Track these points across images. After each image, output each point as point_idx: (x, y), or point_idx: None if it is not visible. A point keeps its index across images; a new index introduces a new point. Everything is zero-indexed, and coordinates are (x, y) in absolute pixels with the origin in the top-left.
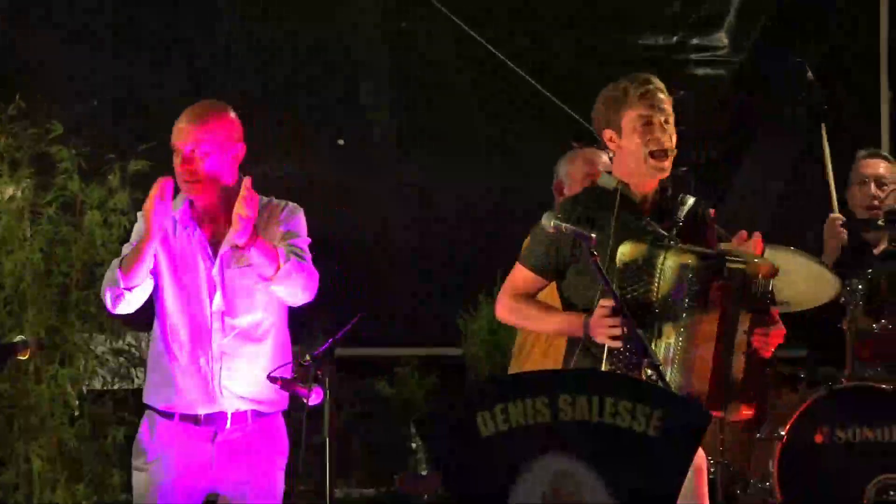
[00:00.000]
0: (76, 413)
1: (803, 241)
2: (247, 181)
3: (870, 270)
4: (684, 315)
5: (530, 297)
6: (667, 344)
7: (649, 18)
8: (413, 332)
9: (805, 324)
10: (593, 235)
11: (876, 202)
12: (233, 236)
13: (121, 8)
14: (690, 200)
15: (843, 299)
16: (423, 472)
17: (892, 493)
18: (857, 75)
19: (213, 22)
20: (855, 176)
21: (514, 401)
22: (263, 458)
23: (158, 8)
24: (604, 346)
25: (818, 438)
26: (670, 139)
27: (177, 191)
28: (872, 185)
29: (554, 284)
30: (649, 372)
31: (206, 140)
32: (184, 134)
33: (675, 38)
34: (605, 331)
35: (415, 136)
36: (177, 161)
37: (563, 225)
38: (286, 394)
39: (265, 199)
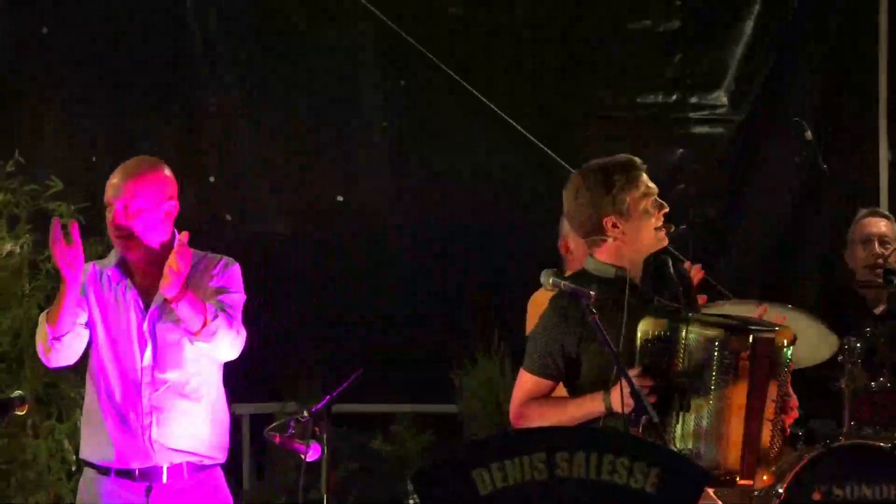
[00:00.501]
0: (73, 468)
1: (801, 296)
2: (182, 236)
3: (868, 329)
4: (713, 388)
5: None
6: (697, 417)
7: (648, 76)
8: (409, 388)
9: (803, 382)
10: (592, 293)
11: (880, 260)
12: (162, 289)
13: (117, 62)
14: (669, 261)
15: (840, 358)
16: None
17: None
18: (856, 76)
19: (210, 74)
20: (857, 235)
21: (511, 458)
22: None
23: (155, 61)
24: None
25: (816, 496)
26: None
27: (111, 245)
28: (876, 244)
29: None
30: (657, 439)
31: (138, 196)
32: (116, 190)
33: (673, 97)
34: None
35: (413, 194)
36: (109, 216)
37: (563, 283)
38: (226, 446)
39: (200, 253)
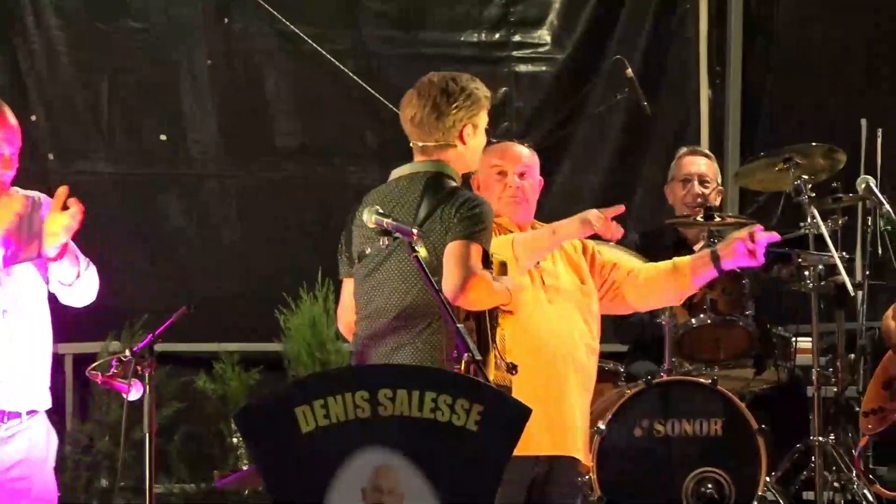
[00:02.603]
0: None
1: (626, 234)
2: (65, 190)
3: None
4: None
5: None
6: (501, 334)
7: (471, 16)
8: (235, 327)
9: (625, 319)
10: (414, 231)
11: (700, 200)
12: (46, 248)
13: None
14: None
15: None
16: (244, 468)
17: (709, 486)
18: (678, 17)
19: (33, 16)
20: (677, 173)
21: (333, 395)
22: (35, 456)
23: None
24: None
25: (637, 432)
26: None
27: None
28: (696, 184)
29: None
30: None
31: (12, 139)
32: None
33: (497, 35)
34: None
35: (238, 133)
36: None
37: (385, 220)
38: (49, 391)
39: (31, 193)
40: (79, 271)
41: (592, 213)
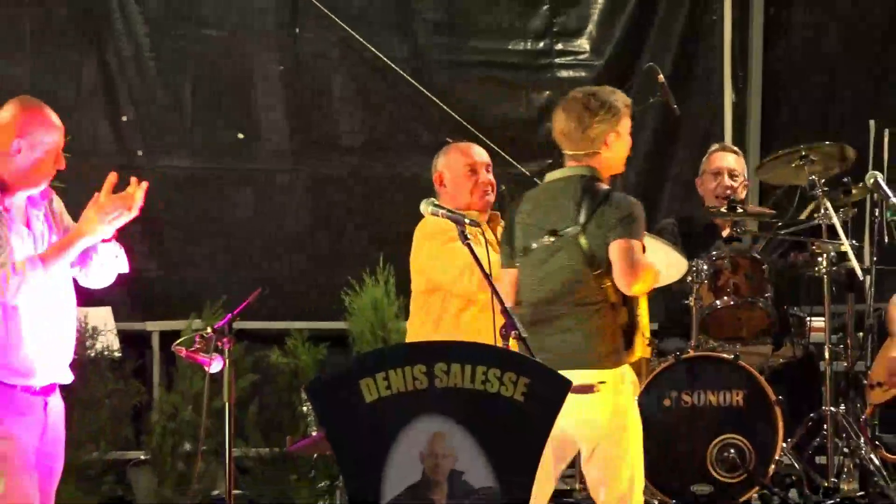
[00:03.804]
0: None
1: (655, 225)
2: (114, 176)
3: (714, 253)
4: None
5: None
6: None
7: (518, 26)
8: (305, 307)
9: (657, 300)
10: (467, 220)
11: (729, 192)
12: (105, 231)
13: (42, 14)
14: None
15: (689, 278)
16: (313, 434)
17: (731, 451)
18: (705, 28)
19: (122, 24)
20: (708, 167)
21: (394, 368)
22: (62, 429)
23: (74, 13)
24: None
25: (667, 402)
26: None
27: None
28: (726, 177)
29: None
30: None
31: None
32: (60, 129)
33: (541, 44)
34: None
35: (306, 132)
36: (53, 156)
37: (441, 210)
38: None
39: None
40: (117, 252)
41: None
